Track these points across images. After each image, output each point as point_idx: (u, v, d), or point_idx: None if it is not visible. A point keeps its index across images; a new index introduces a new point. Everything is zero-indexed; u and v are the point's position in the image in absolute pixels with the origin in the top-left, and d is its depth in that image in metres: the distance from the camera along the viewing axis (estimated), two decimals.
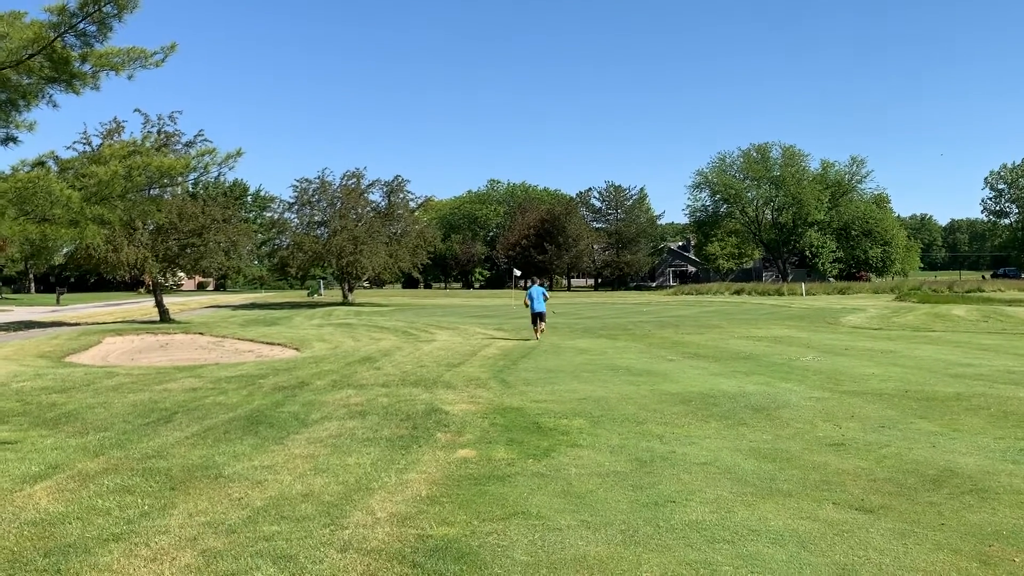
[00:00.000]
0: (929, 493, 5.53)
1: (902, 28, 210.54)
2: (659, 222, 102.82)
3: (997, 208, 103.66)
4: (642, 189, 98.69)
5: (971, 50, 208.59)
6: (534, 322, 19.89)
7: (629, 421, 8.31)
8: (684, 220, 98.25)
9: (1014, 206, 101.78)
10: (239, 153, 7.78)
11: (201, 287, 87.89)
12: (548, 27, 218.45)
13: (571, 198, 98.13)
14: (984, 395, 9.79)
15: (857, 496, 5.46)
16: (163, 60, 7.34)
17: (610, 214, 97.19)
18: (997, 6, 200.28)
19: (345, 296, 49.31)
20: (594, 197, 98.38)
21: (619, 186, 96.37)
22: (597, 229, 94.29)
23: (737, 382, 11.25)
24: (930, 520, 4.94)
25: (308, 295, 60.77)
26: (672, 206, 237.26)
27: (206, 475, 6.06)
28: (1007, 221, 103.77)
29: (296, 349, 18.13)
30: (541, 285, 21.12)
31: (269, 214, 58.01)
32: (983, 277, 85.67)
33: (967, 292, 50.88)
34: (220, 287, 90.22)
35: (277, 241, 49.72)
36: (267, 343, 20.10)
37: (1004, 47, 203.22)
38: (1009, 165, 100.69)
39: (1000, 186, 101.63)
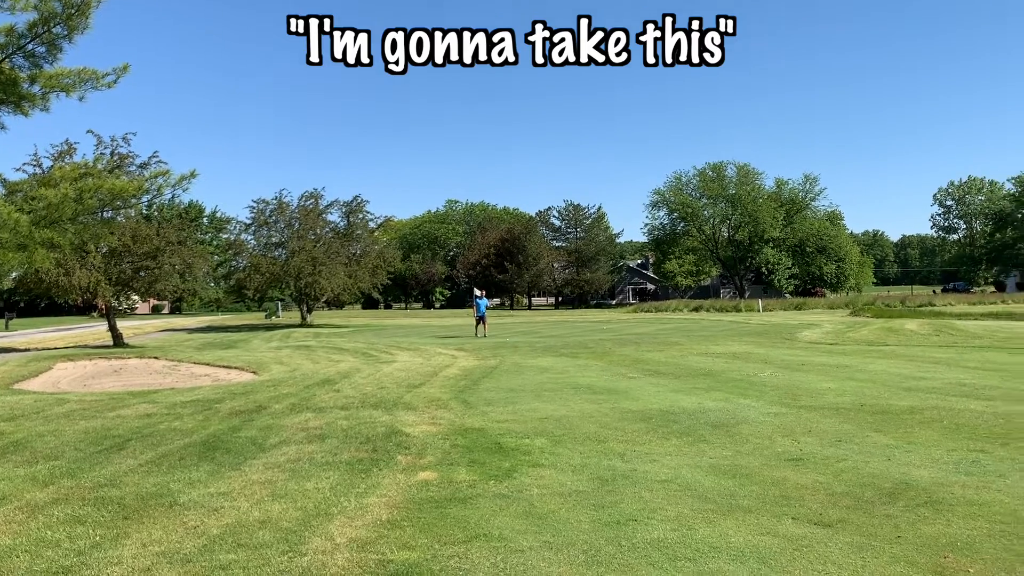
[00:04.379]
0: (885, 506, 5.61)
1: (852, 48, 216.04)
2: (618, 240, 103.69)
3: (946, 224, 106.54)
4: (600, 208, 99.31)
5: (921, 70, 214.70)
6: (477, 323, 29.79)
7: (591, 440, 8.32)
8: (643, 238, 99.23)
9: (961, 222, 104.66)
10: (193, 175, 7.69)
11: (156, 310, 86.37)
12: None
13: (531, 217, 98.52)
14: (937, 408, 9.99)
15: (816, 511, 5.51)
16: (115, 81, 7.24)
17: (569, 233, 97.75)
18: (947, 27, 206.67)
19: (304, 318, 48.80)
20: (553, 216, 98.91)
21: (578, 205, 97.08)
22: (557, 248, 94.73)
23: (697, 399, 11.34)
24: (887, 533, 5.01)
25: (266, 317, 60.01)
26: (631, 224, 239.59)
27: (160, 503, 5.91)
28: (955, 236, 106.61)
29: (254, 372, 17.86)
30: (484, 297, 31.69)
31: (226, 235, 57.26)
32: (934, 292, 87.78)
33: (919, 307, 52.02)
34: (176, 310, 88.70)
35: (234, 263, 49.06)
36: (224, 367, 19.77)
37: (952, 69, 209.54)
38: (956, 182, 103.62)
39: (948, 203, 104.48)
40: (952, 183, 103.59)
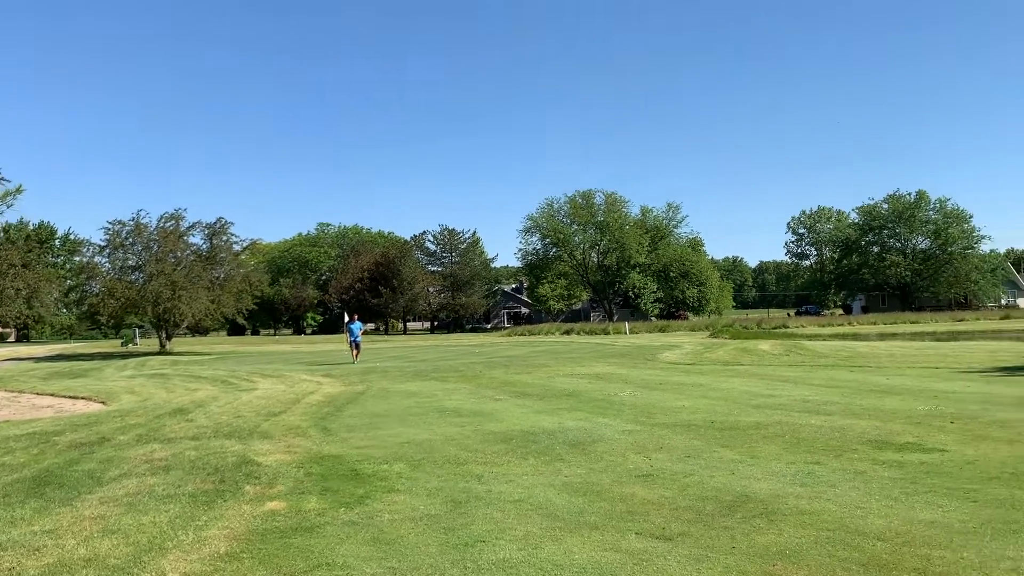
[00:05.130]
0: (724, 518, 5.83)
1: (713, 87, 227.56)
2: (493, 265, 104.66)
3: (799, 251, 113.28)
4: (475, 232, 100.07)
5: (780, 101, 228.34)
6: (351, 347, 29.28)
7: (450, 462, 8.27)
8: (517, 263, 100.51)
9: (812, 249, 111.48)
10: (19, 190, 7.20)
11: (0, 339, 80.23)
12: (374, 72, 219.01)
13: (405, 241, 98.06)
14: (781, 423, 10.51)
15: (659, 525, 5.67)
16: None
17: (445, 257, 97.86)
18: (802, 56, 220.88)
19: (163, 345, 46.50)
20: (428, 240, 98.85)
21: (453, 229, 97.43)
22: (432, 272, 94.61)
23: (558, 419, 11.49)
24: (723, 544, 5.20)
25: (122, 345, 56.83)
26: (505, 249, 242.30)
27: None
28: (807, 262, 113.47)
29: (102, 403, 16.81)
30: (357, 322, 30.59)
31: (79, 258, 53.99)
32: (788, 315, 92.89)
33: (774, 328, 54.94)
34: (23, 338, 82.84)
35: (87, 287, 46.20)
36: (70, 397, 18.52)
37: (809, 99, 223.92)
38: (808, 211, 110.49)
39: (800, 230, 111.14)
40: (804, 212, 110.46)
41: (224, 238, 47.34)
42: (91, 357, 40.63)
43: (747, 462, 7.97)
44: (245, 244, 49.68)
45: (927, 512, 5.86)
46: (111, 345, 59.61)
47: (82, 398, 18.07)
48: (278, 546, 5.27)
